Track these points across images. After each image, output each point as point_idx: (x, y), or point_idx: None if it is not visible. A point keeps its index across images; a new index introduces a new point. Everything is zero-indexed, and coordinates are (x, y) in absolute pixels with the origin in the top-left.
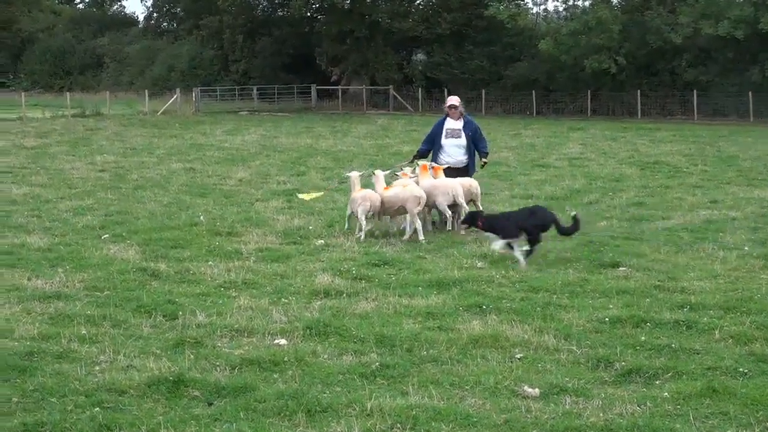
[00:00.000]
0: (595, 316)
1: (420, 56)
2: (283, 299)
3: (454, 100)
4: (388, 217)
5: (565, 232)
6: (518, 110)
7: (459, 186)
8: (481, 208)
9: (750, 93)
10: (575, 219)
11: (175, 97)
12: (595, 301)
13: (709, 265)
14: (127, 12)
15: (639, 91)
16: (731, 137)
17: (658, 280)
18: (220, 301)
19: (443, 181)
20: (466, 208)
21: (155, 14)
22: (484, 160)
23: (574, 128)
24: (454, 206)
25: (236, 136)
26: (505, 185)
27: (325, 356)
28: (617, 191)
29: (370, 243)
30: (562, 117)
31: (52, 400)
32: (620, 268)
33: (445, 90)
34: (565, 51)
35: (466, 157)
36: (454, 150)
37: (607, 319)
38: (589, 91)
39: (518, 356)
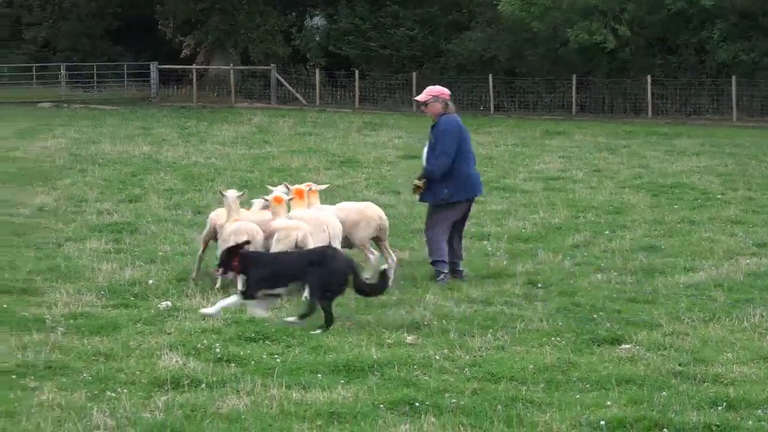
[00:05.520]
0: (585, 419)
1: (318, 21)
2: (108, 392)
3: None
4: None
5: (364, 290)
6: (467, 104)
7: (333, 220)
8: (389, 251)
9: None
10: (383, 274)
11: None
12: (585, 395)
13: (755, 342)
14: None
15: (650, 77)
16: None
17: (680, 364)
18: (12, 396)
19: (310, 212)
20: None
21: None
22: (415, 182)
23: (553, 132)
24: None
25: (33, 140)
26: None
27: None
28: (618, 228)
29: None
30: (533, 115)
31: None
32: (623, 346)
33: (356, 72)
34: (538, 15)
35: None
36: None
37: (602, 422)
38: (574, 77)
39: None
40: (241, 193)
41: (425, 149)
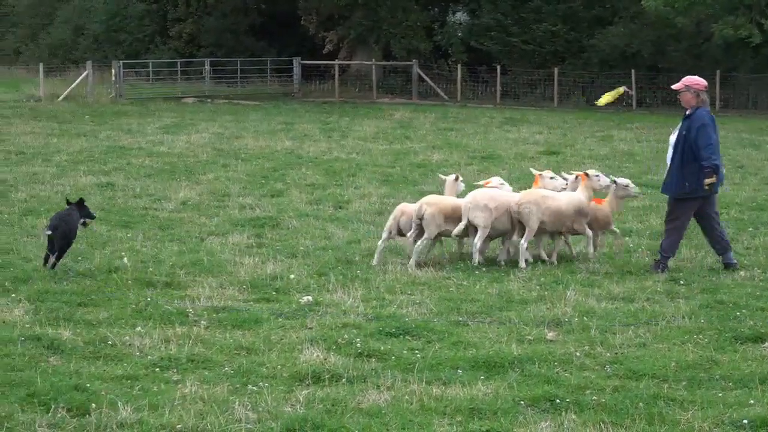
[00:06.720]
0: (727, 417)
1: (460, 16)
2: (250, 386)
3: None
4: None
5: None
6: None
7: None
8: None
9: None
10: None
11: (84, 74)
12: (728, 393)
13: None
14: None
15: None
16: None
17: None
18: (155, 388)
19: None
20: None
21: None
22: (707, 180)
23: None
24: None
25: (178, 134)
26: None
27: None
28: (761, 225)
29: (382, 301)
30: (676, 110)
31: None
32: (766, 344)
33: (498, 68)
34: (682, 10)
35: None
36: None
37: (745, 421)
38: (718, 72)
39: None
40: (454, 176)
41: (672, 137)
